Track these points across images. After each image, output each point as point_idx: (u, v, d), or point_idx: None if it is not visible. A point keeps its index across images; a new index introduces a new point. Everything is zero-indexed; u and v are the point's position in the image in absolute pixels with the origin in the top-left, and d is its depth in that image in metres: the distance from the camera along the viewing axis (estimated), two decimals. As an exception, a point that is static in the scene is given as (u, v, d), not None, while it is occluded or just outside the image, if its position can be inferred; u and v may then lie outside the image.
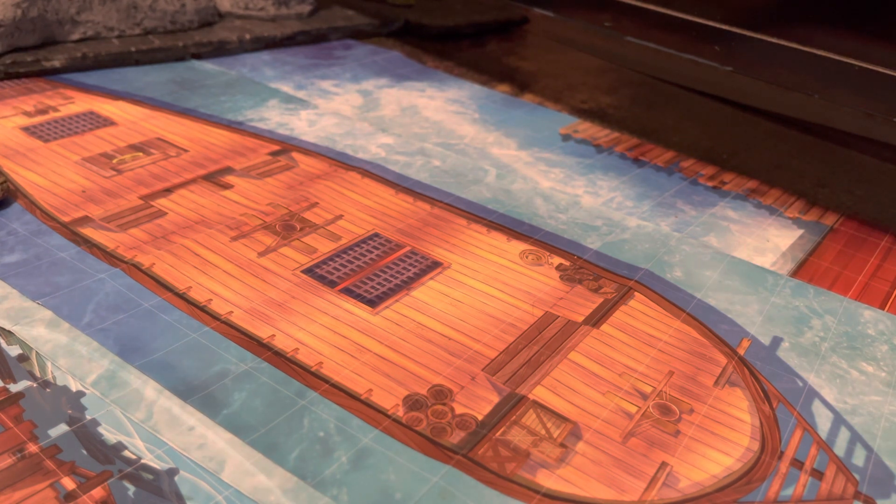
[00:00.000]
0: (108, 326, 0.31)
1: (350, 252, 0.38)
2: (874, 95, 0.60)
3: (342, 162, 0.47)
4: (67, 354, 0.29)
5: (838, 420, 0.30)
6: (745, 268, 0.40)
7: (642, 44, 0.74)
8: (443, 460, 0.26)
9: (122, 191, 0.41)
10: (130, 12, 0.61)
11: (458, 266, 0.38)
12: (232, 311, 0.33)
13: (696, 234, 0.43)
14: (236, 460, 0.25)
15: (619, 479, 0.26)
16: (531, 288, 0.36)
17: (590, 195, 0.46)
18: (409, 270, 0.37)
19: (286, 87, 0.58)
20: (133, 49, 0.59)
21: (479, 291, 0.36)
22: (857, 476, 0.27)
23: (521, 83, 0.66)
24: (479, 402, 0.29)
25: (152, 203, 0.40)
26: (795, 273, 0.40)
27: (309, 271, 0.36)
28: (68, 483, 0.24)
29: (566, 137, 0.55)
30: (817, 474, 0.27)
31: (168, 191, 0.42)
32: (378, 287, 0.35)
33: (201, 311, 0.32)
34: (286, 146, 0.49)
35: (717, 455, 0.28)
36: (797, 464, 0.28)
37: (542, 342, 0.33)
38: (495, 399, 0.29)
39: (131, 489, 0.24)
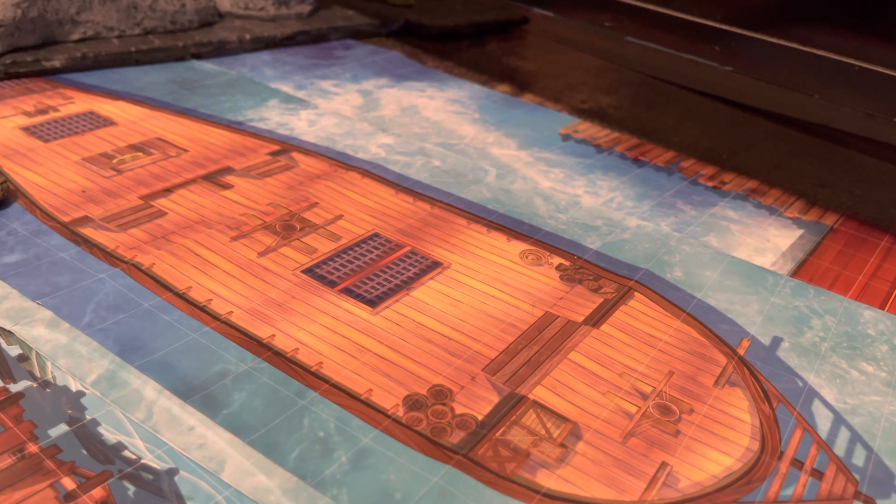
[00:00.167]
0: (108, 326, 0.31)
1: (350, 252, 0.38)
2: (874, 95, 0.60)
3: (342, 162, 0.47)
4: (67, 354, 0.29)
5: (838, 420, 0.30)
6: (745, 268, 0.40)
7: (642, 44, 0.74)
8: (443, 460, 0.26)
9: (122, 191, 0.41)
10: (130, 12, 0.61)
11: (458, 266, 0.38)
12: (232, 311, 0.33)
13: (696, 234, 0.43)
14: (236, 460, 0.25)
15: (619, 479, 0.26)
16: (531, 288, 0.36)
17: (590, 195, 0.46)
18: (409, 270, 0.37)
19: (286, 87, 0.58)
20: (133, 49, 0.59)
21: (479, 291, 0.36)
22: (857, 476, 0.27)
23: (521, 83, 0.66)
24: (479, 402, 0.29)
25: (152, 203, 0.40)
26: (795, 273, 0.40)
27: (309, 271, 0.36)
28: (68, 483, 0.24)
29: (566, 137, 0.55)
30: (817, 474, 0.27)
31: (168, 191, 0.42)
32: (378, 287, 0.35)
33: (201, 311, 0.32)
34: (286, 146, 0.49)
35: (717, 455, 0.28)
36: (797, 464, 0.28)
37: (542, 342, 0.33)
38: (495, 399, 0.29)
39: (131, 489, 0.24)
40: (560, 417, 0.29)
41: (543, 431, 0.28)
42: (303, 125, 0.52)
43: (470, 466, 0.26)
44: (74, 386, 0.28)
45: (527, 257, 0.39)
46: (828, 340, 0.35)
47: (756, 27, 0.66)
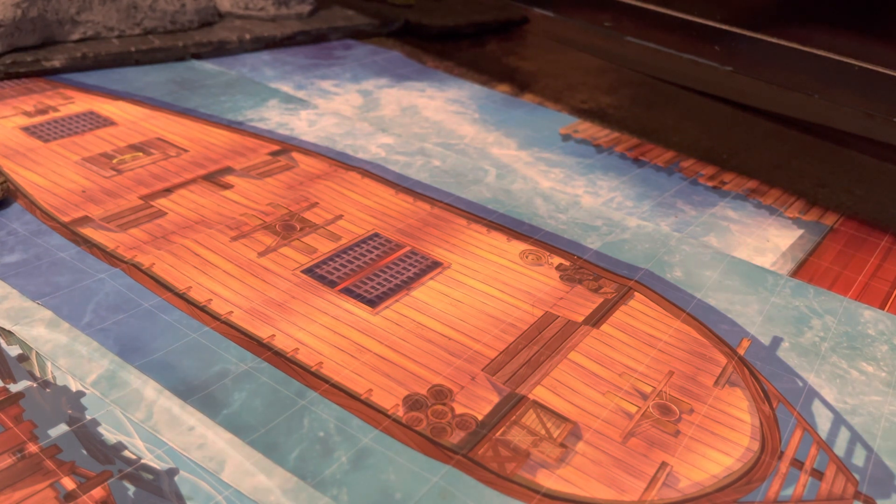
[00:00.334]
0: (108, 326, 0.31)
1: (350, 252, 0.38)
2: (874, 95, 0.60)
3: (342, 162, 0.47)
4: (67, 354, 0.29)
5: (838, 420, 0.30)
6: (745, 268, 0.40)
7: (642, 44, 0.74)
8: (443, 460, 0.26)
9: (122, 191, 0.41)
10: (130, 12, 0.61)
11: (458, 266, 0.38)
12: (232, 311, 0.33)
13: (696, 234, 0.43)
14: (236, 460, 0.25)
15: (619, 479, 0.26)
16: (531, 288, 0.36)
17: (590, 195, 0.46)
18: (409, 270, 0.37)
19: (286, 87, 0.58)
20: (133, 49, 0.59)
21: (479, 291, 0.36)
22: (857, 476, 0.27)
23: (521, 83, 0.66)
24: (479, 402, 0.29)
25: (152, 203, 0.40)
26: (795, 273, 0.40)
27: (309, 271, 0.36)
28: (68, 483, 0.24)
29: (566, 137, 0.55)
30: (817, 474, 0.27)
31: (168, 191, 0.42)
32: (378, 287, 0.35)
33: (201, 311, 0.32)
34: (286, 146, 0.49)
35: (717, 455, 0.28)
36: (797, 464, 0.28)
37: (542, 342, 0.33)
38: (495, 399, 0.29)
39: (131, 489, 0.24)
40: (560, 417, 0.29)
41: (543, 431, 0.28)
42: (303, 125, 0.52)
43: (470, 466, 0.26)
44: (74, 386, 0.28)
45: (527, 257, 0.39)
46: (828, 340, 0.35)
47: (756, 27, 0.66)
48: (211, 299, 0.33)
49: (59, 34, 0.58)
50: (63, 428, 0.26)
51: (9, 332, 0.30)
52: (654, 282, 0.38)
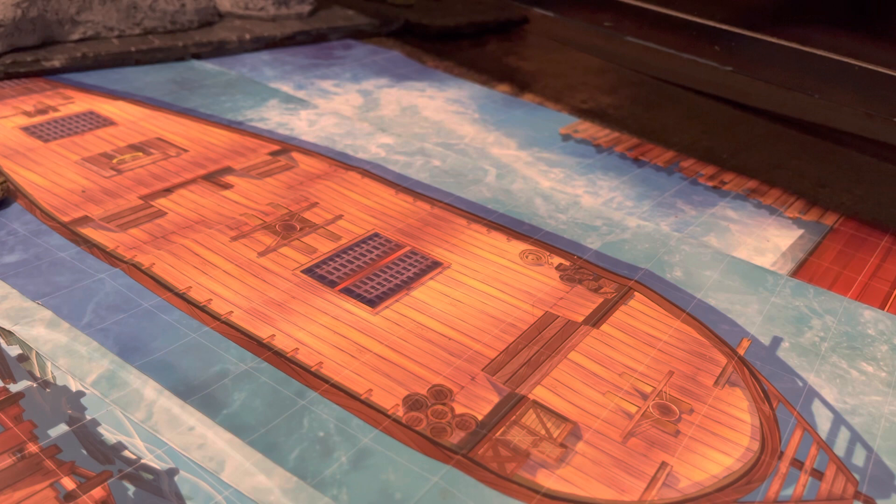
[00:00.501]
0: (108, 326, 0.31)
1: (350, 252, 0.38)
2: (874, 95, 0.60)
3: (342, 162, 0.47)
4: (67, 354, 0.29)
5: (838, 420, 0.30)
6: (745, 268, 0.40)
7: (642, 44, 0.74)
8: (443, 460, 0.26)
9: (122, 191, 0.41)
10: (130, 12, 0.61)
11: (458, 266, 0.38)
12: (232, 311, 0.33)
13: (696, 234, 0.43)
14: (236, 460, 0.25)
15: (619, 479, 0.26)
16: (531, 288, 0.36)
17: (590, 195, 0.46)
18: (409, 270, 0.37)
19: (286, 87, 0.58)
20: (133, 49, 0.59)
21: (479, 291, 0.36)
22: (857, 476, 0.27)
23: (521, 83, 0.66)
24: (479, 402, 0.29)
25: (152, 203, 0.40)
26: (795, 273, 0.40)
27: (309, 271, 0.36)
28: (68, 483, 0.24)
29: (566, 137, 0.55)
30: (817, 474, 0.27)
31: (168, 191, 0.42)
32: (378, 287, 0.35)
33: (201, 311, 0.32)
34: (286, 146, 0.49)
35: (717, 455, 0.28)
36: (797, 464, 0.28)
37: (542, 342, 0.33)
38: (495, 399, 0.29)
39: (131, 489, 0.24)
40: (560, 417, 0.29)
41: (543, 431, 0.28)
42: (303, 125, 0.52)
43: (470, 466, 0.26)
44: (74, 386, 0.28)
45: (527, 257, 0.39)
46: (828, 340, 0.35)
47: (756, 27, 0.66)
48: (211, 299, 0.33)
49: (59, 34, 0.58)
50: (63, 428, 0.26)
51: (9, 332, 0.30)
52: (654, 282, 0.38)
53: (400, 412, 0.28)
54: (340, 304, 0.34)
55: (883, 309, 0.38)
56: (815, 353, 0.34)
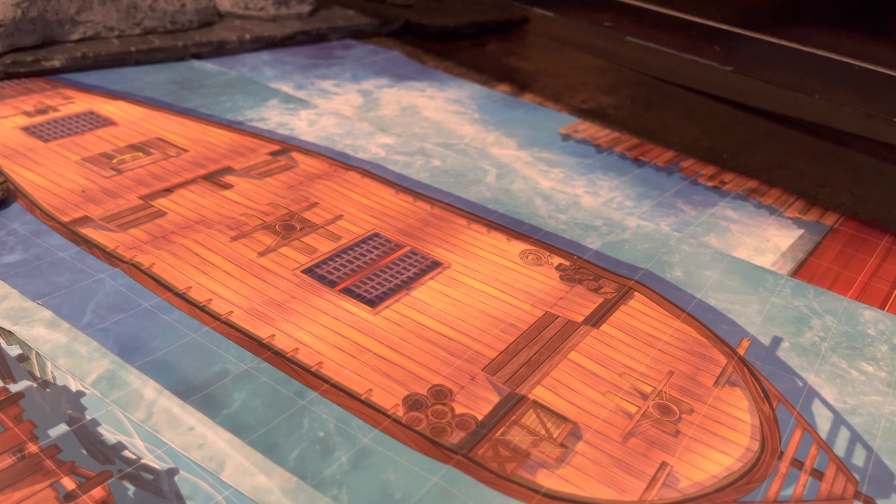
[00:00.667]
0: (108, 326, 0.31)
1: (350, 252, 0.38)
2: (874, 95, 0.60)
3: (342, 162, 0.47)
4: (67, 354, 0.29)
5: (838, 420, 0.30)
6: (745, 268, 0.40)
7: (642, 44, 0.74)
8: (443, 460, 0.26)
9: (122, 191, 0.41)
10: (130, 12, 0.61)
11: (458, 266, 0.38)
12: (232, 311, 0.33)
13: (696, 234, 0.43)
14: (236, 460, 0.25)
15: (619, 479, 0.26)
16: (531, 288, 0.36)
17: (590, 195, 0.46)
18: (409, 270, 0.37)
19: (286, 87, 0.58)
20: (133, 49, 0.59)
21: (479, 291, 0.36)
22: (857, 476, 0.27)
23: (521, 83, 0.66)
24: (479, 402, 0.29)
25: (152, 203, 0.40)
26: (795, 273, 0.40)
27: (309, 271, 0.36)
28: (68, 483, 0.24)
29: (566, 137, 0.55)
30: (817, 474, 0.27)
31: (168, 191, 0.42)
32: (378, 287, 0.35)
33: (201, 311, 0.32)
34: (286, 146, 0.49)
35: (717, 455, 0.28)
36: (797, 464, 0.28)
37: (542, 342, 0.33)
38: (495, 399, 0.29)
39: (131, 489, 0.24)
40: (560, 417, 0.29)
41: (543, 431, 0.28)
42: (303, 125, 0.52)
43: (470, 466, 0.26)
44: (74, 386, 0.28)
45: (527, 257, 0.39)
46: (828, 340, 0.35)
47: (756, 27, 0.66)
48: (211, 299, 0.33)
49: (59, 34, 0.58)
50: (63, 428, 0.26)
51: (9, 332, 0.30)
52: (654, 282, 0.38)
53: (400, 412, 0.28)
54: (340, 304, 0.34)
55: (883, 309, 0.38)
56: (815, 353, 0.34)
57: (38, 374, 0.28)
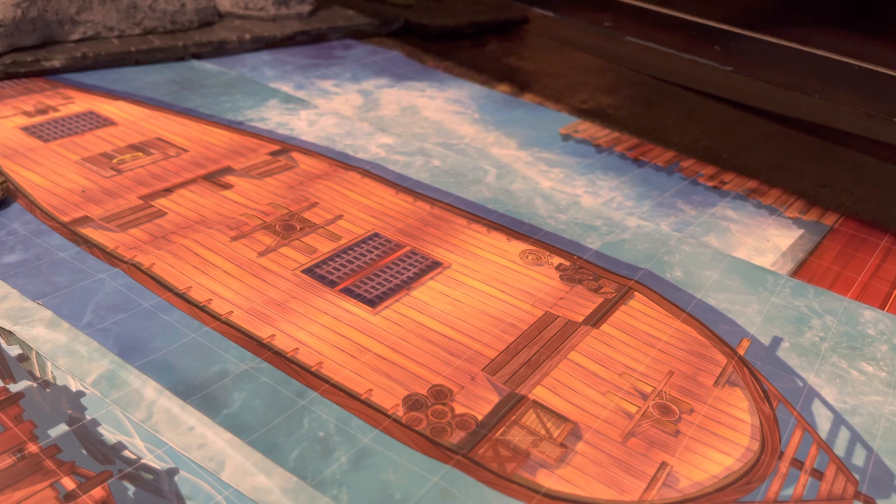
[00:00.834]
0: (108, 326, 0.31)
1: (350, 252, 0.38)
2: (874, 95, 0.60)
3: (342, 162, 0.47)
4: (67, 354, 0.29)
5: (838, 420, 0.30)
6: (745, 268, 0.40)
7: (642, 44, 0.74)
8: (443, 460, 0.26)
9: (122, 191, 0.41)
10: (130, 12, 0.61)
11: (458, 266, 0.38)
12: (232, 311, 0.33)
13: (696, 234, 0.43)
14: (236, 460, 0.25)
15: (619, 479, 0.26)
16: (531, 288, 0.36)
17: (590, 195, 0.46)
18: (409, 270, 0.37)
19: (286, 87, 0.58)
20: (133, 49, 0.59)
21: (479, 291, 0.36)
22: (857, 476, 0.27)
23: (521, 83, 0.66)
24: (479, 402, 0.29)
25: (152, 203, 0.40)
26: (795, 273, 0.40)
27: (309, 271, 0.36)
28: (68, 483, 0.24)
29: (566, 137, 0.55)
30: (817, 474, 0.27)
31: (168, 191, 0.42)
32: (378, 287, 0.35)
33: (201, 311, 0.32)
34: (286, 146, 0.49)
35: (717, 455, 0.28)
36: (797, 464, 0.28)
37: (542, 342, 0.33)
38: (495, 399, 0.29)
39: (131, 489, 0.24)
40: (560, 417, 0.29)
41: (543, 431, 0.28)
42: (303, 125, 0.52)
43: (470, 466, 0.26)
44: (74, 386, 0.28)
45: (527, 257, 0.39)
46: (828, 340, 0.35)
47: (756, 27, 0.66)
48: (211, 299, 0.33)
49: (59, 34, 0.58)
50: (63, 428, 0.26)
51: (9, 332, 0.30)
52: (654, 282, 0.38)
53: (400, 412, 0.28)
54: (340, 304, 0.34)
55: (883, 309, 0.38)
56: (815, 353, 0.34)
57: (38, 374, 0.28)
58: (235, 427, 0.27)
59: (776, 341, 0.34)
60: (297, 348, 0.31)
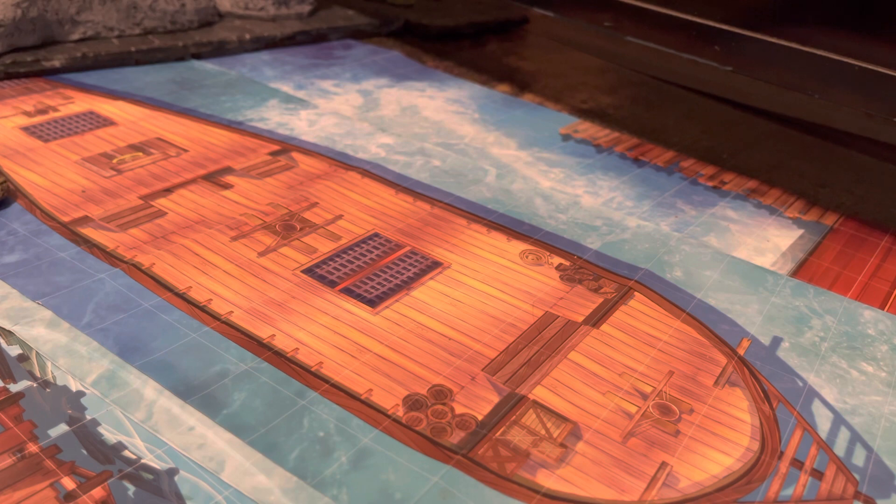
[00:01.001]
0: (108, 326, 0.31)
1: (350, 252, 0.38)
2: (874, 95, 0.60)
3: (342, 162, 0.47)
4: (67, 354, 0.29)
5: (838, 420, 0.30)
6: (745, 268, 0.40)
7: (642, 44, 0.74)
8: (443, 460, 0.26)
9: (122, 191, 0.41)
10: (130, 12, 0.61)
11: (458, 266, 0.38)
12: (232, 311, 0.33)
13: (696, 234, 0.43)
14: (236, 460, 0.25)
15: (619, 479, 0.26)
16: (531, 288, 0.36)
17: (590, 195, 0.46)
18: (409, 270, 0.37)
19: (286, 87, 0.58)
20: (133, 49, 0.59)
21: (479, 291, 0.36)
22: (857, 476, 0.27)
23: (521, 83, 0.66)
24: (479, 402, 0.29)
25: (152, 203, 0.40)
26: (795, 273, 0.40)
27: (309, 271, 0.36)
28: (68, 483, 0.24)
29: (566, 137, 0.55)
30: (817, 474, 0.27)
31: (168, 191, 0.42)
32: (378, 287, 0.35)
33: (201, 311, 0.32)
34: (286, 146, 0.49)
35: (717, 455, 0.28)
36: (797, 464, 0.28)
37: (542, 342, 0.33)
38: (495, 399, 0.29)
39: (131, 489, 0.24)
40: (560, 417, 0.29)
41: (543, 431, 0.28)
42: (303, 125, 0.52)
43: (470, 466, 0.26)
44: (74, 386, 0.28)
45: (527, 257, 0.39)
46: (828, 340, 0.35)
47: (756, 27, 0.66)
48: (211, 299, 0.33)
49: (59, 34, 0.58)
50: (63, 428, 0.26)
51: (9, 332, 0.30)
52: (654, 282, 0.38)
53: (400, 412, 0.28)
54: (340, 304, 0.34)
55: (883, 309, 0.38)
56: (815, 353, 0.34)
57: (38, 374, 0.28)
58: (235, 427, 0.27)
59: (776, 341, 0.34)
60: (297, 348, 0.31)
